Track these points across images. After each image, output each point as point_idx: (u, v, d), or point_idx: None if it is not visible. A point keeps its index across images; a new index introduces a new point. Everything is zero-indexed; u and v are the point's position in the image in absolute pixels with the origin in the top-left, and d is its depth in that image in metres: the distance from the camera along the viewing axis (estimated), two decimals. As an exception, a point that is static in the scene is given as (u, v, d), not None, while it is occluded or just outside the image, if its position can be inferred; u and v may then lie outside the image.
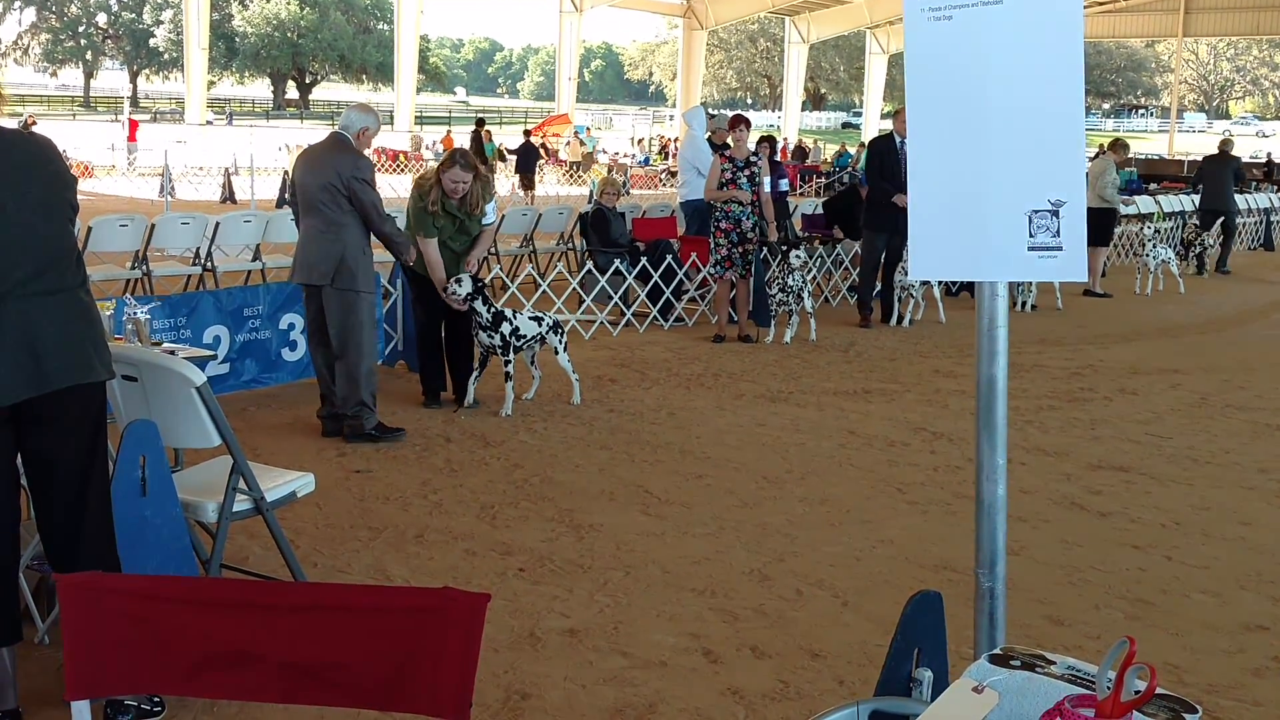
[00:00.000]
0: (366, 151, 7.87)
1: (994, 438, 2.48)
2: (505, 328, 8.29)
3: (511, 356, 8.40)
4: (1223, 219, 19.12)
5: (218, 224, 12.04)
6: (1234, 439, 8.34)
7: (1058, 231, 2.37)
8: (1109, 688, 1.79)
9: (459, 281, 8.19)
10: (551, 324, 8.65)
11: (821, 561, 5.76)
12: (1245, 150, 60.91)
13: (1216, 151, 19.69)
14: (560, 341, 8.68)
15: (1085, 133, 2.43)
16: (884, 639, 4.85)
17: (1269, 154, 42.72)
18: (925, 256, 2.51)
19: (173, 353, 5.12)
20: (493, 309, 8.30)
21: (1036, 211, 2.37)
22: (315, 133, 53.89)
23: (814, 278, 13.11)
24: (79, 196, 3.94)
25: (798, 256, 11.49)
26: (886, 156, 12.52)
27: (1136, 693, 1.78)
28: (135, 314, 5.21)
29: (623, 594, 5.28)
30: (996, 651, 2.07)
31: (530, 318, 8.54)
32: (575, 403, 8.73)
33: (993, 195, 2.42)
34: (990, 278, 2.46)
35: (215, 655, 2.29)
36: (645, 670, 4.53)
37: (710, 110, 14.70)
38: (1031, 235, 2.39)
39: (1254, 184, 32.55)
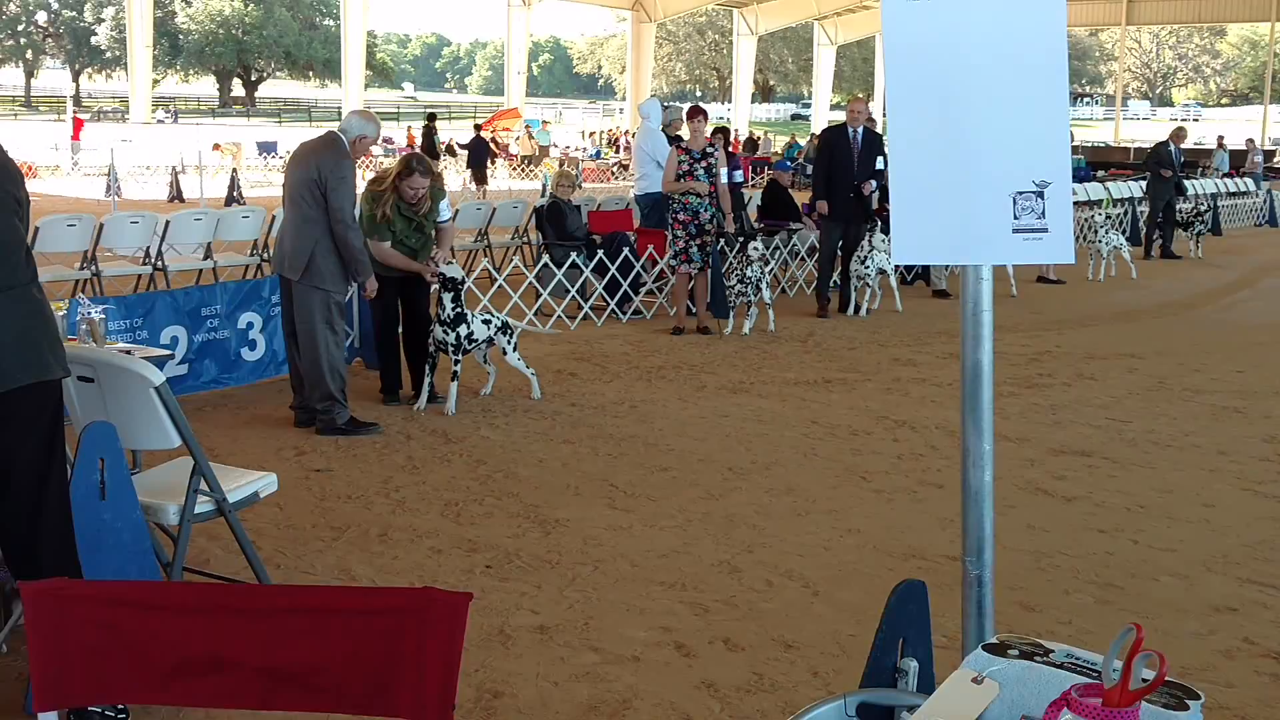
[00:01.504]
0: (360, 159, 7.85)
1: (980, 423, 2.45)
2: (463, 329, 8.22)
3: (461, 357, 8.33)
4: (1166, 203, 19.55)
5: (168, 222, 11.86)
6: (1193, 421, 8.40)
7: (1043, 213, 2.33)
8: (1115, 676, 1.75)
9: (450, 264, 8.20)
10: (500, 324, 8.57)
11: (790, 552, 5.73)
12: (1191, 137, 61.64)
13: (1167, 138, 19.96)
14: (509, 342, 8.58)
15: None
16: (856, 628, 4.84)
17: (1219, 138, 43.22)
18: (908, 240, 2.46)
19: (128, 352, 5.02)
20: (459, 308, 8.23)
21: (1021, 193, 2.33)
22: (263, 130, 53.46)
23: (771, 269, 13.07)
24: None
25: (755, 248, 11.47)
26: (838, 146, 12.53)
27: (1144, 680, 1.74)
28: (89, 314, 5.09)
29: (592, 589, 5.22)
30: (993, 640, 2.04)
31: (482, 320, 8.46)
32: (536, 398, 8.66)
33: (975, 177, 2.37)
34: (974, 261, 2.42)
35: (189, 661, 2.21)
36: (618, 665, 4.48)
37: (668, 105, 14.62)
38: (1016, 217, 2.35)
39: (1200, 170, 32.98)
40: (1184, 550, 5.84)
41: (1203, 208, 20.38)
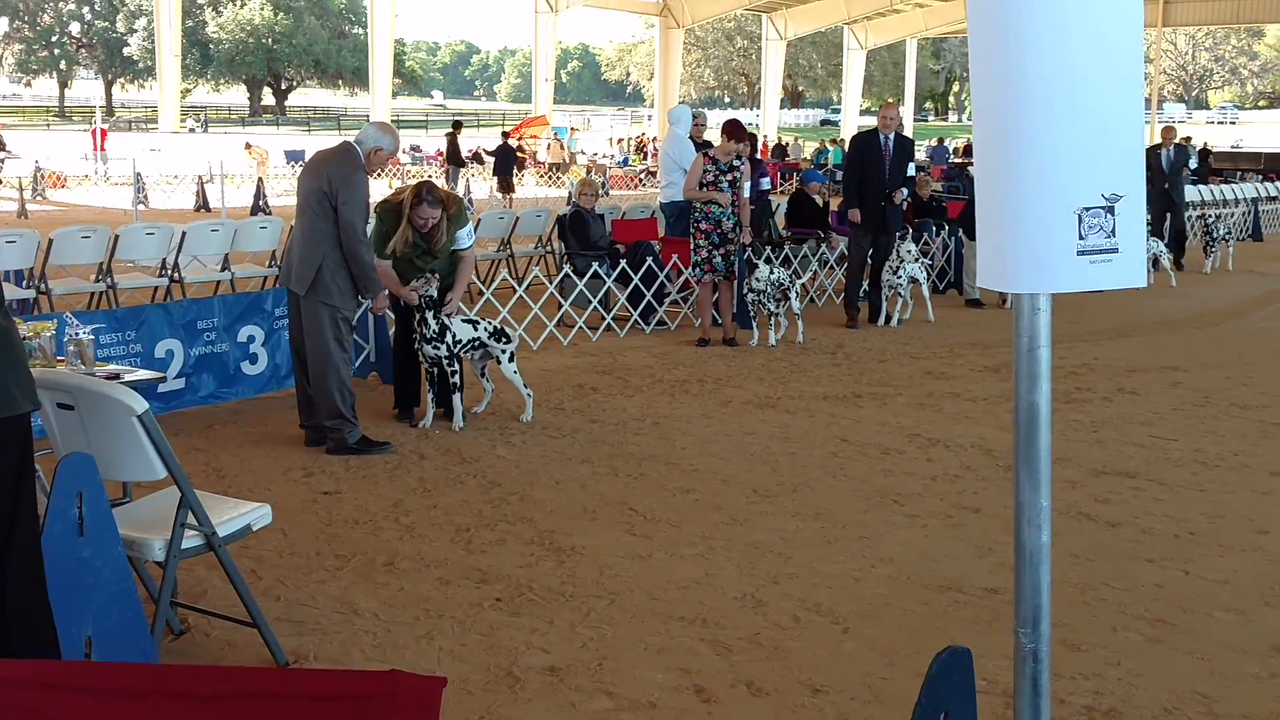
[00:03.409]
0: (378, 172, 7.58)
1: (1036, 475, 2.12)
2: (449, 337, 7.93)
3: (459, 366, 8.03)
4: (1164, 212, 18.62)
5: (184, 234, 11.65)
6: (1242, 440, 8.02)
7: (1113, 230, 2.01)
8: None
9: (427, 283, 7.83)
10: (492, 330, 8.20)
11: (818, 583, 5.41)
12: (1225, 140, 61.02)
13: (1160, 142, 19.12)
14: (503, 350, 8.20)
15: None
16: (889, 670, 4.53)
17: (1205, 142, 42.29)
18: (986, 262, 2.13)
19: (118, 375, 4.76)
20: (440, 322, 7.92)
21: (1088, 209, 2.01)
22: (292, 139, 53.49)
23: (802, 280, 12.75)
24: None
25: (759, 265, 11.05)
26: (869, 153, 12.21)
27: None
28: (78, 334, 4.83)
29: (607, 625, 4.92)
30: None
31: (464, 321, 8.14)
32: (526, 420, 8.25)
33: (1035, 190, 2.04)
34: (1033, 289, 2.09)
35: (119, 756, 1.93)
36: (633, 713, 4.17)
37: (695, 109, 14.32)
38: (1082, 237, 2.02)
39: (1240, 175, 32.42)
40: (1238, 582, 5.49)
41: (1210, 217, 19.03)
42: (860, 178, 12.24)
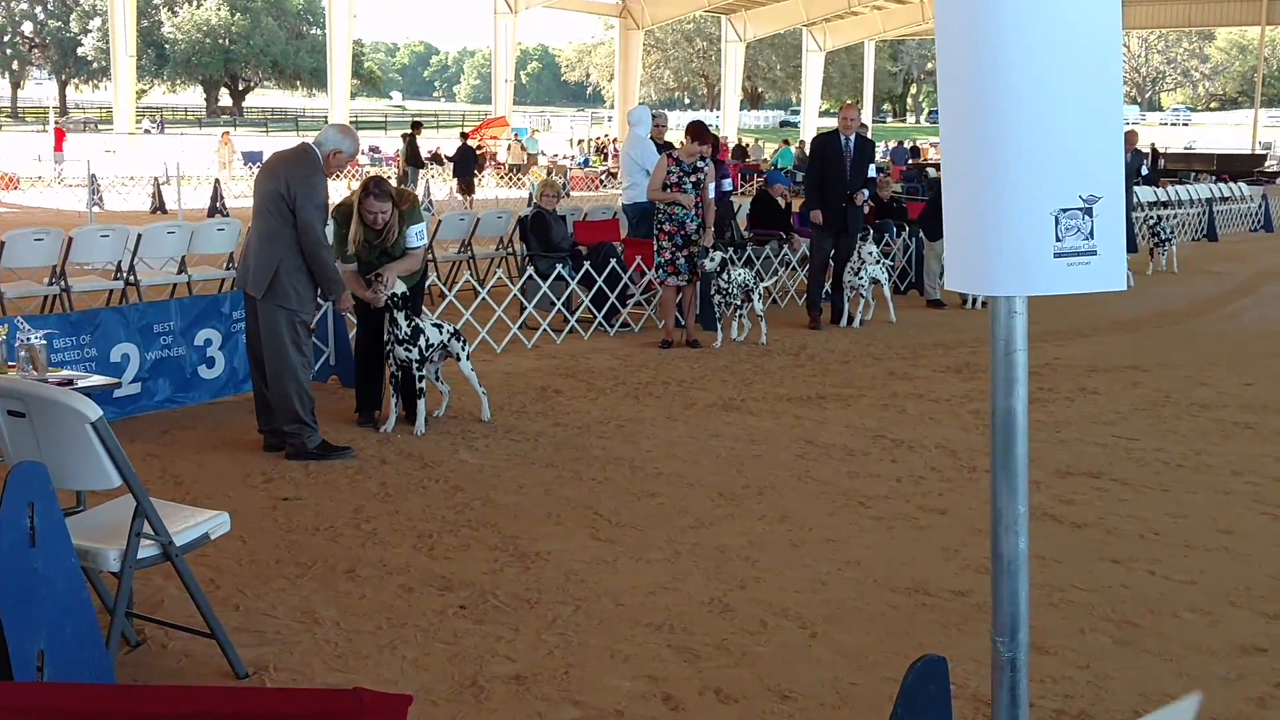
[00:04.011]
0: (336, 174, 7.51)
1: (1014, 481, 2.08)
2: (422, 341, 7.86)
3: (426, 371, 7.97)
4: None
5: (140, 236, 11.49)
6: (1204, 439, 8.05)
7: (1091, 233, 1.96)
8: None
9: (385, 282, 7.74)
10: (452, 331, 8.19)
11: (786, 587, 5.37)
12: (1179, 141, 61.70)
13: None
14: (463, 349, 8.21)
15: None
16: (857, 675, 4.49)
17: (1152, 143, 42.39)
18: (955, 264, 2.08)
19: (71, 382, 4.65)
20: (412, 322, 7.85)
21: (1065, 210, 1.96)
22: (249, 140, 53.06)
23: (765, 281, 12.72)
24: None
25: (711, 260, 11.02)
26: (830, 154, 12.20)
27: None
28: (29, 339, 4.72)
29: (573, 632, 4.85)
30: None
31: (433, 325, 8.09)
32: (485, 419, 8.23)
33: (1010, 192, 1.99)
34: (1009, 291, 2.04)
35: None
36: (600, 722, 4.11)
37: (654, 110, 14.26)
38: (1059, 239, 1.98)
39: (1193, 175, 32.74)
40: (1204, 582, 5.49)
41: (1154, 219, 18.95)
42: (822, 179, 12.24)
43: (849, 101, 12.68)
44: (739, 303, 11.20)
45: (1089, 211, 1.96)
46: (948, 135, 2.07)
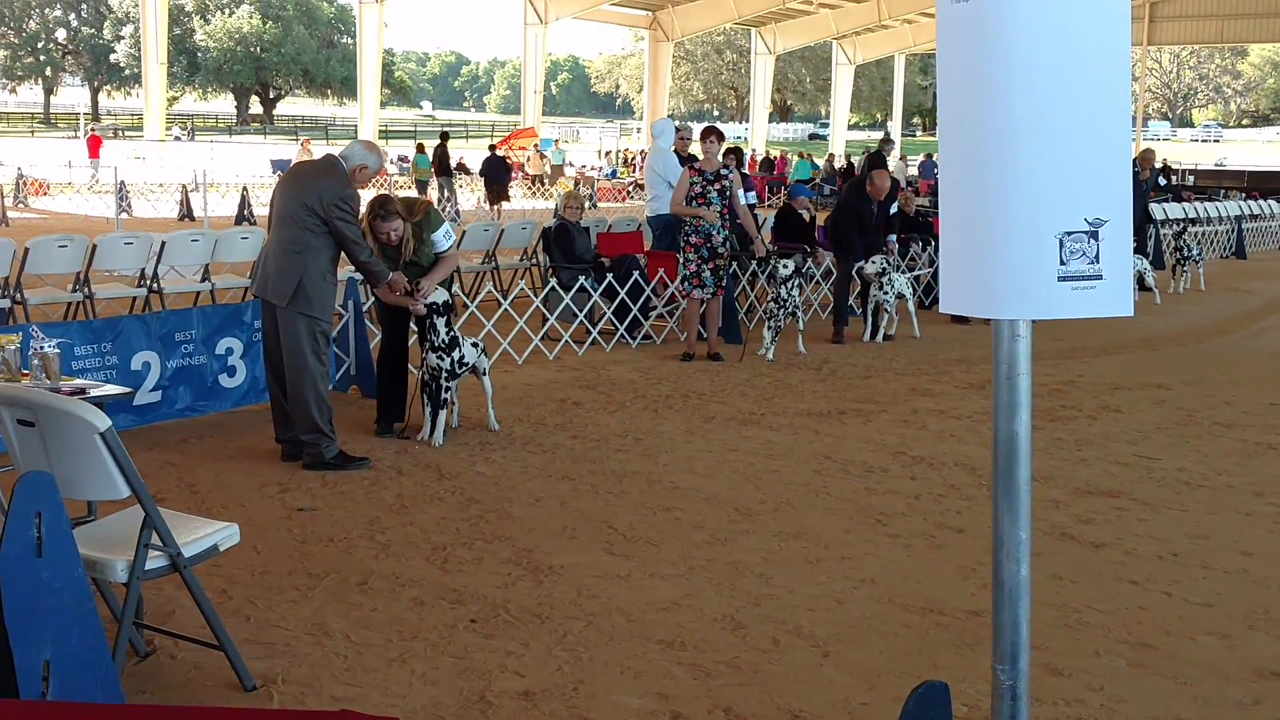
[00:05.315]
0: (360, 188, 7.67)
1: (1015, 506, 2.04)
2: (456, 354, 7.87)
3: (454, 384, 7.98)
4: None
5: (164, 243, 11.54)
6: (1225, 459, 7.96)
7: (1096, 256, 1.93)
8: None
9: (421, 290, 7.78)
10: (482, 350, 8.35)
11: (800, 605, 5.33)
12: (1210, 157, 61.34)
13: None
14: (487, 364, 8.40)
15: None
16: (869, 695, 4.45)
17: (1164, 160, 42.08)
18: (951, 287, 2.05)
19: (83, 390, 4.66)
20: (452, 331, 7.89)
21: (1069, 234, 1.92)
22: (278, 148, 53.36)
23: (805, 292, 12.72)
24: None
25: (785, 265, 11.20)
26: (864, 224, 12.61)
27: None
28: (43, 348, 4.73)
29: (583, 648, 4.83)
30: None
31: (471, 344, 8.15)
32: (494, 428, 8.31)
33: (1012, 213, 1.95)
34: (1007, 315, 2.01)
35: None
36: (607, 739, 4.09)
37: (678, 123, 14.27)
38: (1063, 262, 1.94)
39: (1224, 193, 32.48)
40: (1222, 605, 5.42)
41: (1178, 229, 18.73)
42: (855, 235, 12.53)
43: (880, 170, 12.70)
44: (786, 316, 11.29)
45: (1094, 235, 1.92)
46: (947, 152, 2.04)
